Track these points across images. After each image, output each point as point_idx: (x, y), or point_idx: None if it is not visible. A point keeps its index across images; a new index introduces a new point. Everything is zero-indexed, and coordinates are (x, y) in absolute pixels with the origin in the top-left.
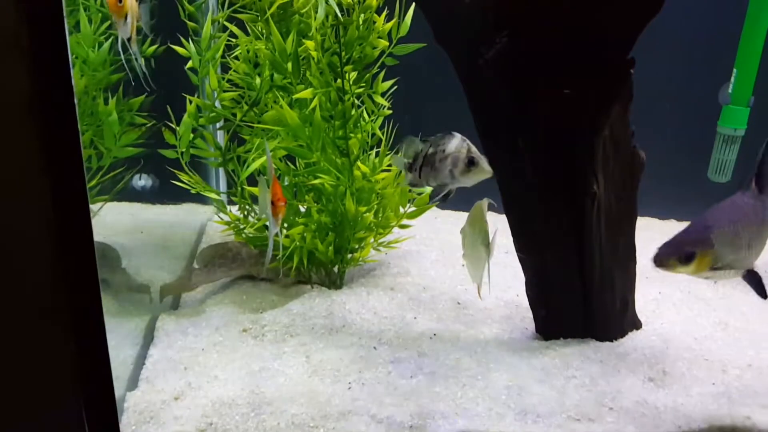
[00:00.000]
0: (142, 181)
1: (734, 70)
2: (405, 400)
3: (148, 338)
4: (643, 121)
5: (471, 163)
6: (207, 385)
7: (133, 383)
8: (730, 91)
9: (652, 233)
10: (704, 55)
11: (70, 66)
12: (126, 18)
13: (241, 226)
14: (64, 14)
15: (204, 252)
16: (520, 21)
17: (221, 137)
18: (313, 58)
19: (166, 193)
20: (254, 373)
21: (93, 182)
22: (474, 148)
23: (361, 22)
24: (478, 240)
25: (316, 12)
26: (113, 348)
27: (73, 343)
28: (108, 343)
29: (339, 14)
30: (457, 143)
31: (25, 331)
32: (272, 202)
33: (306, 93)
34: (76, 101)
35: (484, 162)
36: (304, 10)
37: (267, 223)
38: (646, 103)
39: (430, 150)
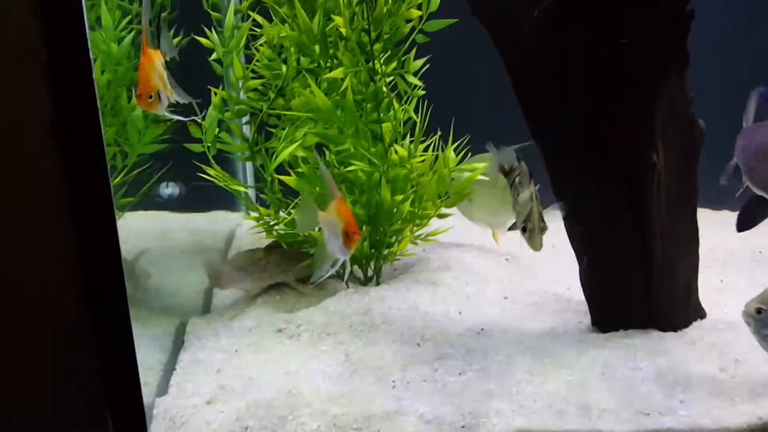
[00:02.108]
0: (169, 189)
1: None
2: (455, 399)
3: (179, 342)
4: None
5: (524, 230)
6: (241, 388)
7: (163, 389)
8: None
9: (705, 224)
10: (755, 36)
11: (93, 78)
12: (159, 97)
13: (272, 222)
14: (86, 28)
15: (235, 260)
16: None
17: (248, 131)
18: (342, 37)
19: (194, 201)
20: (291, 373)
21: (117, 180)
22: (536, 212)
23: None
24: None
25: None
26: (141, 353)
27: (100, 351)
28: (136, 349)
29: None
30: (525, 198)
31: (52, 340)
32: (345, 233)
33: (338, 72)
34: (100, 116)
35: (536, 235)
36: None
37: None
38: (694, 92)
39: (517, 179)
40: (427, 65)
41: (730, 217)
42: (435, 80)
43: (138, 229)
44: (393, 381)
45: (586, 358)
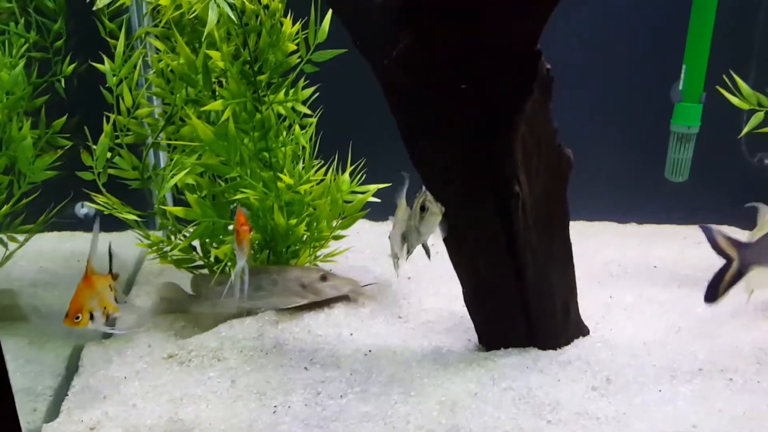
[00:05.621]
0: (84, 209)
1: (683, 66)
2: (331, 422)
3: (73, 368)
4: (594, 126)
5: (422, 209)
6: (124, 415)
7: (53, 414)
8: (681, 88)
9: (612, 237)
10: (655, 53)
11: None
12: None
13: (165, 248)
14: None
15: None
16: (417, 18)
17: (151, 156)
18: (222, 69)
19: (110, 220)
20: (175, 400)
21: (5, 210)
22: (430, 196)
23: (269, 27)
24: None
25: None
26: (33, 379)
27: None
28: (24, 375)
29: (234, 18)
30: (420, 194)
31: None
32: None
33: (216, 105)
34: None
35: (433, 205)
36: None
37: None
38: (597, 107)
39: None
40: (317, 93)
41: (636, 230)
42: (337, 106)
43: (48, 251)
44: (275, 406)
45: (462, 378)
